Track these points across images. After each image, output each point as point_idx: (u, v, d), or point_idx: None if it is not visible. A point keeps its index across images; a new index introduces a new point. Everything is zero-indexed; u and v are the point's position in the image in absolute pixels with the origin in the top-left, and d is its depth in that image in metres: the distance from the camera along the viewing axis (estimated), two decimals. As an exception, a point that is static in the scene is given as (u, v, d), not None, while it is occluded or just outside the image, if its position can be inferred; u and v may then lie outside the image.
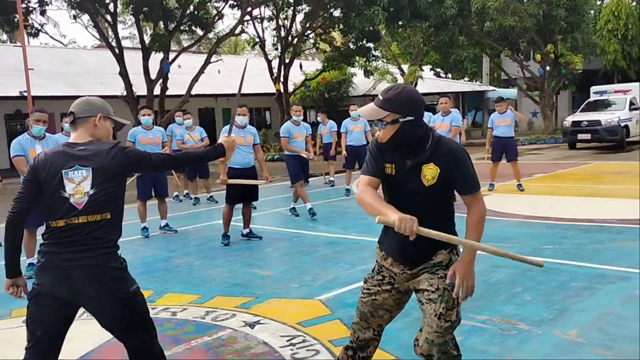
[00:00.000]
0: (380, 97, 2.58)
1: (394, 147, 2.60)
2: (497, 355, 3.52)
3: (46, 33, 22.11)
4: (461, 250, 2.68)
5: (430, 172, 2.58)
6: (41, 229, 2.74)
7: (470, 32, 25.11)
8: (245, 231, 7.45)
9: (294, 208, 8.93)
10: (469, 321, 4.10)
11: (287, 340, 3.94)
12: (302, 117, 9.13)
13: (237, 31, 22.41)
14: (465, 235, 2.64)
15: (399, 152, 2.62)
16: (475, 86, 34.82)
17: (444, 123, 9.00)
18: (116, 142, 2.73)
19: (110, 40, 20.36)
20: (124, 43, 22.75)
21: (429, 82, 31.14)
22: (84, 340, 3.89)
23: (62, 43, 37.13)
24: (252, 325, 4.29)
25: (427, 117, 12.64)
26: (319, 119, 12.49)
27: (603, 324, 3.94)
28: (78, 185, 2.58)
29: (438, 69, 36.82)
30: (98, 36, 20.72)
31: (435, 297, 2.61)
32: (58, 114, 20.23)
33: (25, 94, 17.88)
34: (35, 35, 20.82)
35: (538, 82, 25.53)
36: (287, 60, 23.97)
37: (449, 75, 37.98)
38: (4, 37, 37.14)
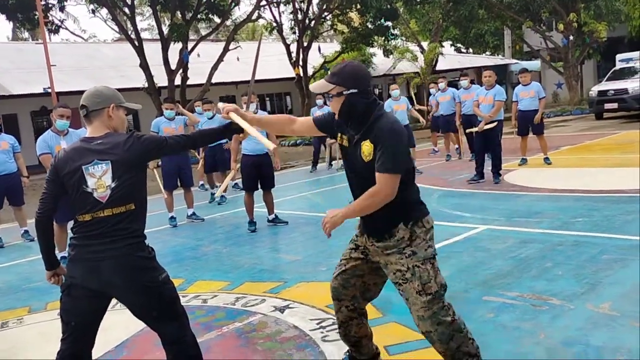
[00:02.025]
0: (329, 73, 2.78)
1: (343, 119, 2.76)
2: (530, 332, 3.49)
3: (66, 29, 22.27)
4: (424, 222, 2.74)
5: (366, 149, 2.67)
6: (71, 223, 2.79)
7: (490, 4, 24.63)
8: (271, 217, 7.49)
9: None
10: (500, 298, 4.07)
11: (317, 324, 3.97)
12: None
13: (254, 17, 22.35)
14: None
15: (350, 126, 2.77)
16: (497, 60, 34.20)
17: (488, 97, 8.87)
18: (131, 132, 2.74)
19: (129, 32, 20.49)
20: (143, 35, 22.91)
21: (449, 58, 30.67)
22: (117, 331, 3.97)
23: (82, 38, 37.50)
24: (281, 310, 4.32)
25: (451, 92, 12.30)
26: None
27: (636, 296, 3.87)
28: (99, 179, 2.61)
29: (458, 45, 36.20)
30: (117, 29, 20.85)
31: (409, 275, 2.70)
32: (82, 109, 20.45)
33: (49, 90, 18.13)
34: (56, 31, 21.08)
35: (561, 52, 24.99)
36: (305, 44, 23.86)
37: (470, 50, 37.35)
38: (26, 34, 37.69)
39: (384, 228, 2.75)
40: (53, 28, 20.71)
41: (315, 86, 2.81)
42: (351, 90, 2.67)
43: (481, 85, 9.48)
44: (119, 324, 3.98)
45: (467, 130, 10.79)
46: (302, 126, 3.05)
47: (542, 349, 3.25)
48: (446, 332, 2.70)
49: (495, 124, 8.70)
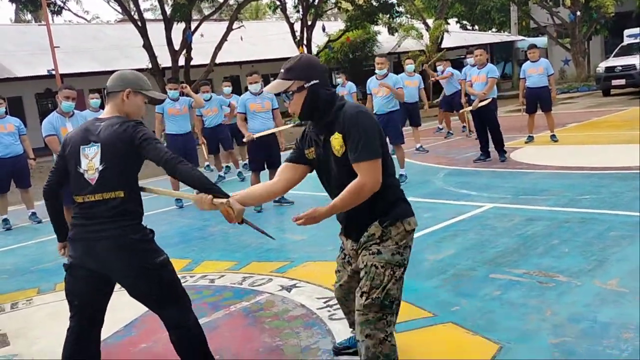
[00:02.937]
0: (282, 70, 2.56)
1: (307, 117, 2.58)
2: (537, 309, 3.49)
3: (69, 10, 22.12)
4: (403, 224, 2.54)
5: (337, 142, 2.47)
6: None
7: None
8: (277, 197, 7.48)
9: None
10: (506, 275, 4.08)
11: (324, 302, 3.98)
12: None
13: (257, -5, 22.12)
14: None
15: (314, 128, 2.58)
16: (503, 37, 33.83)
17: (480, 75, 8.77)
18: (131, 120, 2.69)
19: (132, 13, 20.34)
20: (146, 15, 22.74)
21: (455, 35, 30.33)
22: (125, 311, 3.99)
23: (85, 19, 37.35)
24: (288, 289, 4.34)
25: (451, 70, 12.52)
26: (338, 80, 12.12)
27: (644, 273, 3.87)
28: (91, 161, 2.61)
29: (464, 21, 35.76)
30: (120, 10, 20.70)
31: (363, 273, 2.53)
32: (86, 91, 20.42)
33: (53, 72, 18.09)
34: (59, 12, 20.94)
35: (568, 28, 24.69)
36: (309, 23, 23.66)
37: (476, 27, 36.93)
38: (29, 16, 37.49)
39: (360, 228, 2.57)
40: (55, 9, 20.58)
41: (271, 87, 2.58)
42: (312, 82, 2.50)
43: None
44: (127, 304, 4.00)
45: (461, 110, 10.78)
46: (284, 177, 2.72)
47: (549, 326, 3.26)
48: (371, 349, 2.47)
49: (489, 100, 8.60)
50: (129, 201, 2.63)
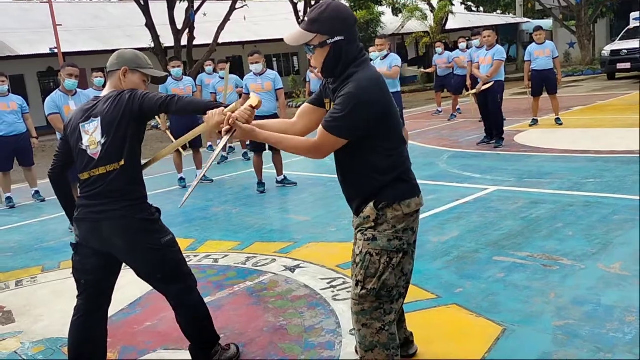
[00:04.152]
0: (306, 18, 2.31)
1: (328, 74, 2.35)
2: (540, 291, 3.50)
3: (71, -12, 21.98)
4: (401, 206, 2.34)
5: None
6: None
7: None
8: (280, 178, 7.49)
9: None
10: (510, 258, 4.08)
11: (328, 283, 4.00)
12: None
13: (260, -25, 21.90)
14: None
15: (333, 82, 2.36)
16: (508, 19, 33.56)
17: (487, 57, 8.61)
18: (127, 90, 2.66)
19: (134, -9, 20.14)
20: (148, -6, 22.48)
21: (460, 17, 30.11)
22: (130, 289, 4.01)
23: (87, -3, 36.93)
24: (292, 270, 4.35)
25: (446, 55, 13.00)
26: None
27: (648, 257, 3.87)
28: (91, 136, 2.61)
29: (469, 3, 35.54)
30: (122, -12, 20.51)
31: (358, 260, 2.39)
32: (89, 70, 20.34)
33: (56, 50, 18.00)
34: (61, -10, 20.73)
35: (574, 11, 24.41)
36: (312, 2, 23.42)
37: (481, 8, 36.64)
38: (30, -6, 37.13)
39: (356, 204, 2.44)
40: (58, -13, 20.40)
41: (292, 37, 2.33)
42: (337, 38, 2.25)
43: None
44: (132, 283, 4.02)
45: (467, 93, 10.76)
46: (303, 119, 2.58)
47: (553, 308, 3.27)
48: (368, 339, 2.38)
49: (491, 84, 8.50)
50: (130, 171, 2.61)
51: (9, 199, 7.96)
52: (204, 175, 2.71)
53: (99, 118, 2.61)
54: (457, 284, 3.73)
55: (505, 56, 8.77)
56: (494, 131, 8.68)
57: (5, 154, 7.87)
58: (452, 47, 19.26)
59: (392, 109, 2.33)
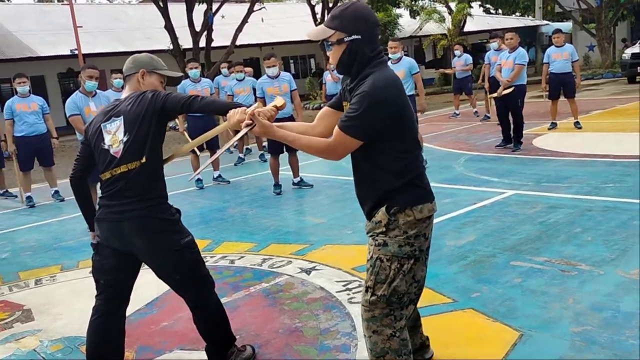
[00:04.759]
0: (329, 15, 2.36)
1: (343, 71, 2.38)
2: (558, 297, 3.46)
3: (91, -10, 22.26)
4: (413, 211, 2.30)
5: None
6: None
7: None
8: (296, 180, 7.51)
9: None
10: (528, 263, 4.04)
11: (344, 285, 3.99)
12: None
13: (278, -23, 21.98)
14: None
15: (350, 83, 2.36)
16: (527, 21, 33.29)
17: (509, 60, 8.49)
18: (150, 90, 2.72)
19: (153, -7, 20.33)
20: (167, -4, 22.66)
21: (478, 19, 29.93)
22: (148, 289, 4.04)
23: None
24: (308, 272, 4.35)
25: (464, 58, 13.06)
26: None
27: (669, 263, 3.81)
28: (114, 135, 2.65)
29: (487, 5, 35.29)
30: (141, -10, 20.71)
31: (368, 265, 2.37)
32: (108, 71, 20.56)
33: (76, 52, 18.21)
34: (81, -8, 20.98)
35: (594, 13, 24.17)
36: (330, 5, 23.45)
37: (499, 11, 36.39)
38: (51, -4, 37.67)
39: (368, 208, 2.41)
40: (78, -11, 20.66)
41: (313, 32, 2.38)
42: (353, 37, 2.26)
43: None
44: (149, 282, 4.05)
45: (488, 96, 10.69)
46: (323, 122, 2.55)
47: (571, 314, 3.23)
48: (379, 345, 2.35)
49: (512, 89, 8.39)
50: (152, 169, 2.64)
51: (29, 198, 8.07)
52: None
53: (122, 117, 2.65)
54: (474, 289, 3.71)
55: (527, 59, 8.68)
56: (514, 135, 8.61)
57: (26, 154, 7.99)
58: (470, 49, 19.18)
59: (408, 110, 2.31)
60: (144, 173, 2.62)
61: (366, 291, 2.37)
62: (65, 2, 24.27)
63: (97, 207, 2.75)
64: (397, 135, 2.28)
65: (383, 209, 2.32)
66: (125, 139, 2.62)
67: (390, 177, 2.31)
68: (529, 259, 4.12)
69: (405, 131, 2.30)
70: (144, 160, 2.61)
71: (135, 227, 2.60)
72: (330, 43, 2.32)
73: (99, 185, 2.76)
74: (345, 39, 2.28)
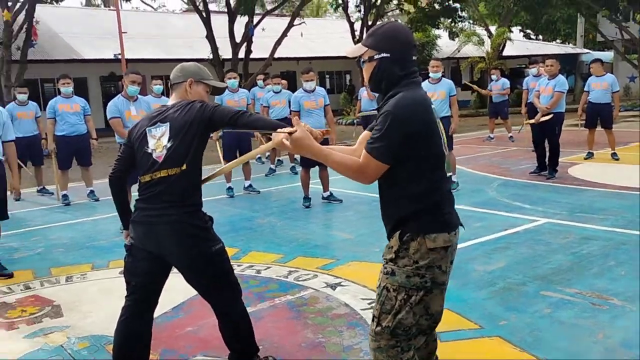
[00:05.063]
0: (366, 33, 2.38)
1: (374, 88, 2.35)
2: (588, 330, 3.39)
3: (137, -3, 22.85)
4: (426, 240, 2.19)
5: None
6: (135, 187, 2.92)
7: (566, -10, 23.62)
8: (326, 194, 7.52)
9: None
10: (558, 294, 3.97)
11: (369, 304, 3.97)
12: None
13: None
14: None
15: (381, 101, 2.31)
16: (568, 49, 32.90)
17: (548, 87, 8.38)
18: (198, 100, 2.80)
19: (197, 4, 20.75)
20: (210, 7, 23.12)
21: (518, 44, 29.69)
22: (175, 293, 4.08)
23: (152, 7, 38.32)
24: (333, 287, 4.35)
25: (502, 82, 13.02)
26: None
27: None
28: (158, 140, 2.71)
29: (528, 31, 35.02)
30: (186, 0, 21.16)
31: (377, 293, 2.29)
32: (148, 77, 21.01)
33: (119, 56, 18.65)
34: (128, -1, 21.53)
35: (637, 44, 23.75)
36: (369, 22, 23.59)
37: (540, 37, 36.07)
38: (98, 1, 38.76)
39: (387, 230, 2.33)
40: (125, -4, 21.23)
41: (350, 50, 2.40)
42: (382, 55, 2.24)
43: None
44: (177, 286, 4.10)
45: (524, 122, 10.55)
46: (362, 146, 2.40)
47: (600, 349, 3.16)
48: None
49: (550, 116, 8.28)
50: (191, 176, 2.69)
51: (65, 196, 8.26)
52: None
53: (168, 123, 2.72)
54: (502, 316, 3.66)
55: (567, 87, 8.56)
56: (549, 162, 8.49)
57: (66, 153, 8.19)
58: (508, 73, 19.02)
59: (433, 134, 2.22)
60: (183, 179, 2.67)
61: (372, 320, 2.29)
62: (111, 8, 24.92)
63: (132, 208, 2.81)
64: (419, 157, 2.19)
65: (397, 234, 2.24)
66: (169, 144, 2.68)
67: (406, 201, 2.22)
68: (559, 289, 4.05)
69: (429, 155, 2.22)
70: (184, 167, 2.66)
71: (169, 231, 2.64)
72: (363, 60, 2.33)
73: (134, 187, 2.81)
74: (375, 57, 2.27)
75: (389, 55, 2.25)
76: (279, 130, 2.43)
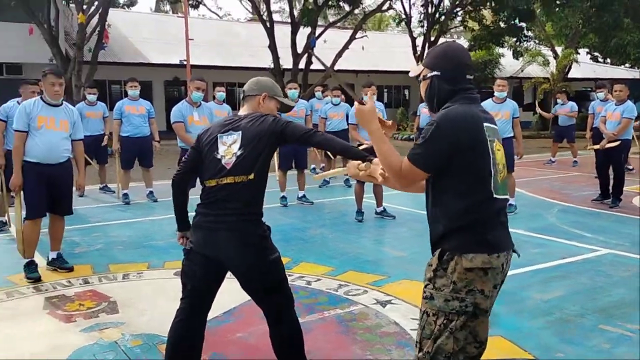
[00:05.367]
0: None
1: (428, 106, 2.40)
2: (649, 370, 3.24)
3: (205, 5, 23.52)
4: (463, 260, 2.14)
5: None
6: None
7: (638, 13, 22.81)
8: (379, 209, 7.48)
9: None
10: (618, 329, 3.81)
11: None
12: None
13: (384, 7, 22.28)
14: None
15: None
16: (637, 74, 31.71)
17: (615, 113, 8.09)
18: (271, 115, 2.87)
19: (262, 14, 21.16)
20: (274, 17, 23.54)
21: (584, 66, 28.92)
22: (226, 297, 4.13)
23: (217, 15, 39.31)
24: (383, 304, 4.31)
25: (569, 105, 12.89)
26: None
27: None
28: (229, 147, 2.76)
29: (596, 53, 33.96)
30: (251, 9, 21.63)
31: (418, 318, 2.26)
32: (211, 83, 21.52)
33: (185, 62, 19.18)
34: (196, 6, 22.21)
35: None
36: (432, 38, 23.44)
37: (608, 60, 34.89)
38: (167, 7, 40.03)
39: (431, 248, 2.30)
40: (194, 3, 21.86)
41: (411, 68, 2.48)
42: (434, 73, 2.30)
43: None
44: (229, 291, 4.15)
45: (588, 147, 10.21)
46: None
47: (663, 392, 3.01)
48: None
49: (618, 142, 7.97)
50: (257, 187, 2.75)
51: (125, 195, 8.53)
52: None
53: (240, 132, 2.78)
54: (558, 348, 3.53)
55: (636, 114, 8.25)
56: (613, 190, 8.18)
57: (129, 154, 8.48)
58: (573, 96, 18.48)
59: (479, 151, 2.17)
60: (249, 188, 2.72)
61: (416, 345, 2.25)
62: (179, 15, 25.68)
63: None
64: (461, 172, 2.16)
65: (437, 252, 2.21)
66: (239, 152, 2.73)
67: (446, 219, 2.19)
68: (620, 324, 3.88)
69: (471, 171, 2.17)
70: (252, 176, 2.72)
71: (229, 238, 2.69)
72: (420, 79, 2.39)
73: (201, 193, 2.87)
74: (429, 75, 2.33)
75: (439, 73, 2.30)
76: (351, 162, 2.57)
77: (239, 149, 2.74)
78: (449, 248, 2.17)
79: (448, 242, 2.17)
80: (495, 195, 2.19)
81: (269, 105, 2.94)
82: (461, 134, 2.13)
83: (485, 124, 2.21)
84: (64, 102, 5.11)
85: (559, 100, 13.14)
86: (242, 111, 2.95)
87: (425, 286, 2.22)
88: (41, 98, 4.99)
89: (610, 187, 8.24)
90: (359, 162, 2.57)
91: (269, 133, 2.75)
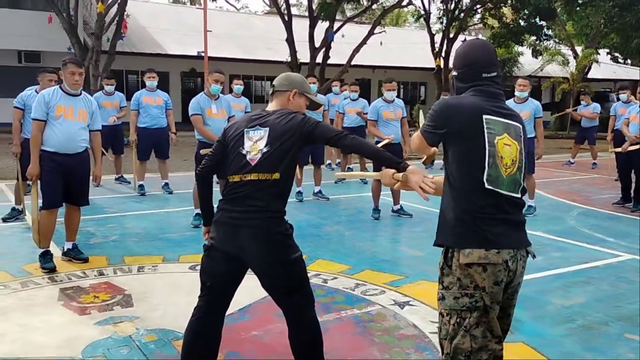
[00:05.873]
0: None
1: None
2: (678, 383, 3.14)
3: (223, -3, 23.48)
4: (459, 253, 2.16)
5: None
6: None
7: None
8: (396, 207, 7.40)
9: None
10: (644, 339, 3.70)
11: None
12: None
13: (404, 2, 22.11)
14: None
15: None
16: (659, 75, 31.26)
17: (638, 115, 7.95)
18: (301, 113, 2.81)
19: (280, 7, 21.07)
20: (292, 11, 23.46)
21: (605, 67, 28.54)
22: (242, 294, 4.08)
23: (235, 7, 39.26)
24: (401, 305, 4.23)
25: (592, 107, 12.70)
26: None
27: None
28: (255, 143, 2.70)
29: (616, 54, 33.50)
30: (269, 2, 21.54)
31: (437, 319, 2.31)
32: (227, 76, 21.48)
33: (202, 54, 19.16)
34: (215, -1, 22.11)
35: None
36: (451, 35, 23.25)
37: (629, 61, 34.42)
38: (185, -1, 40.09)
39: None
40: (212, -5, 21.83)
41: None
42: (454, 73, 2.41)
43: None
44: (244, 288, 4.10)
45: (610, 150, 10.02)
46: None
47: (692, 406, 2.91)
48: None
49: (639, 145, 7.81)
50: (281, 187, 2.69)
51: (141, 186, 8.51)
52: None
53: (268, 128, 2.72)
54: (580, 356, 3.44)
55: None
56: (635, 194, 8.02)
57: (145, 145, 8.45)
58: (592, 97, 18.23)
59: (467, 138, 2.19)
60: (273, 186, 2.66)
61: (440, 344, 2.27)
62: (198, 7, 25.66)
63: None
64: (452, 160, 2.24)
65: (442, 250, 2.24)
66: (265, 149, 2.68)
67: (445, 211, 2.24)
68: (648, 335, 3.78)
69: (461, 159, 2.21)
70: (277, 175, 2.66)
71: (252, 235, 2.63)
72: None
73: (224, 188, 2.81)
74: (452, 74, 2.45)
75: (456, 73, 2.39)
76: (385, 170, 2.57)
77: (266, 145, 2.68)
78: (447, 243, 2.20)
79: (447, 237, 2.20)
80: (489, 187, 2.16)
81: (298, 102, 2.88)
82: (450, 118, 2.22)
83: (486, 116, 2.20)
84: (82, 92, 5.07)
85: (582, 102, 13.01)
86: (271, 107, 2.89)
87: (438, 287, 2.25)
88: (60, 87, 4.96)
89: (632, 191, 8.09)
90: (394, 171, 2.54)
91: (298, 132, 2.69)
